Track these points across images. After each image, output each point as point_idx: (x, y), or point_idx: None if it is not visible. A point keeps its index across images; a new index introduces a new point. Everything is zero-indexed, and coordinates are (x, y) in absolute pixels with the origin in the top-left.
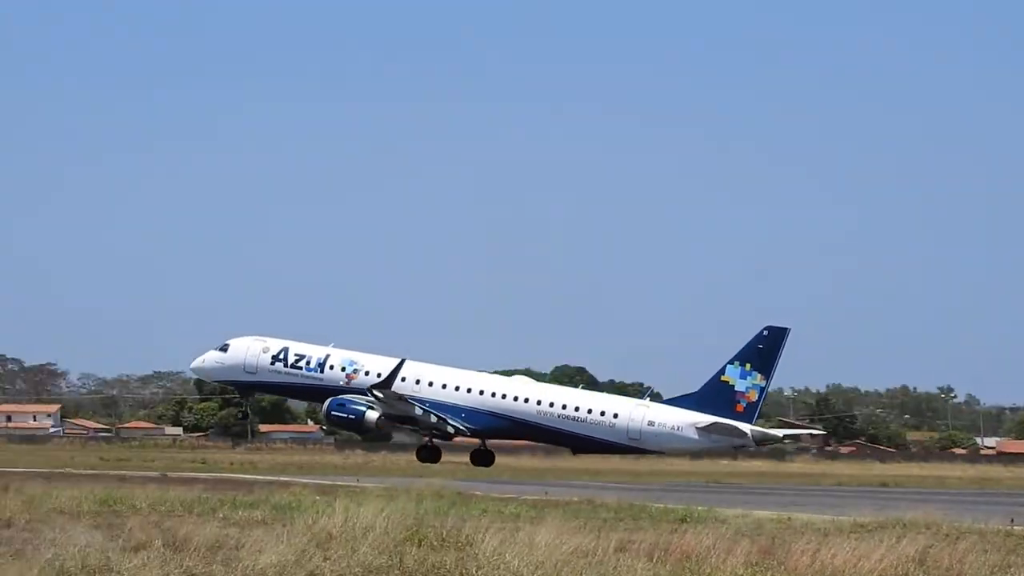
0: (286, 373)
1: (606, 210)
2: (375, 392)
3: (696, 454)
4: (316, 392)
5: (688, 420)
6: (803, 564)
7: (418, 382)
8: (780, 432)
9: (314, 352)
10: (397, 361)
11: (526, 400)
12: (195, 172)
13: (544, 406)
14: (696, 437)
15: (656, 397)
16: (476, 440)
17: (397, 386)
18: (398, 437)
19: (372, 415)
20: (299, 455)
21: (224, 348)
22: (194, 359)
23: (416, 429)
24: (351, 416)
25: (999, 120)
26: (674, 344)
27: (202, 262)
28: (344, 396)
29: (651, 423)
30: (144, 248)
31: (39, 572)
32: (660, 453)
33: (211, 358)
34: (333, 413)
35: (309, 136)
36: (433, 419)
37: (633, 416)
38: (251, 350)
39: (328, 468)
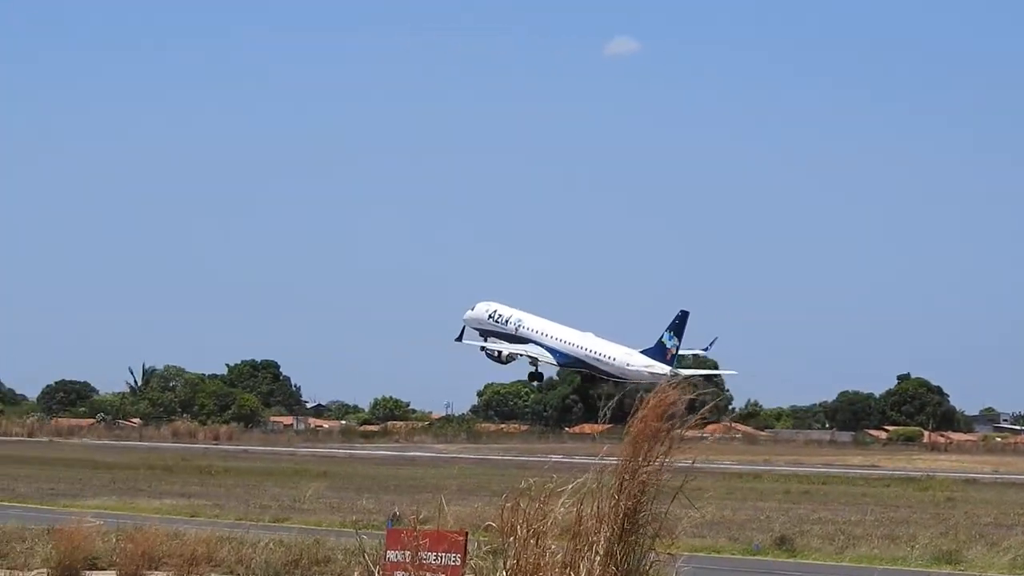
0: (491, 324)
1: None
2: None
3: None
4: (502, 336)
5: (644, 363)
6: None
7: (540, 332)
8: (686, 372)
9: (506, 312)
10: (539, 319)
11: (580, 347)
12: None
13: (590, 350)
14: (647, 374)
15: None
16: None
17: (527, 333)
18: None
19: (504, 353)
20: None
21: (472, 307)
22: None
23: (531, 360)
24: (492, 353)
25: None
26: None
27: None
28: (489, 342)
29: (629, 365)
30: None
31: None
32: (637, 380)
33: (467, 314)
34: (486, 351)
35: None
36: (533, 355)
37: (621, 360)
38: (480, 309)
39: None
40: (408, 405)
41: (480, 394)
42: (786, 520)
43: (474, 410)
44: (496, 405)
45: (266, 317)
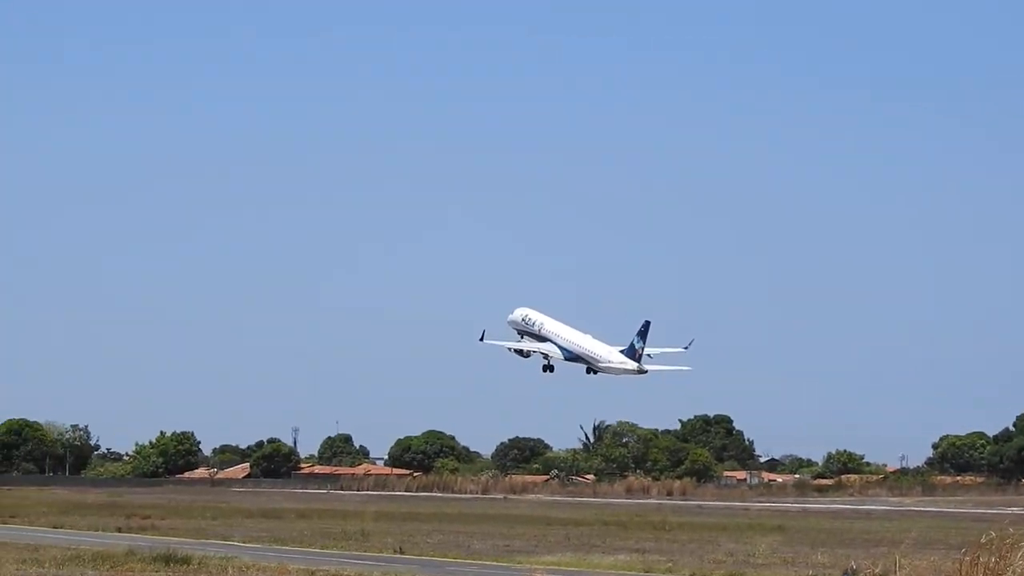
0: (524, 325)
1: None
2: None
3: (619, 374)
4: (531, 335)
5: (620, 360)
6: None
7: (555, 334)
8: (649, 367)
9: (534, 316)
10: (557, 323)
11: (579, 346)
12: None
13: (585, 348)
14: (623, 367)
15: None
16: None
17: (546, 334)
18: None
19: (526, 349)
20: None
21: (512, 312)
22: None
23: (544, 355)
24: (516, 351)
25: None
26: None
27: None
28: (524, 341)
29: (610, 362)
30: None
31: None
32: (615, 373)
33: (509, 317)
34: (512, 350)
35: None
36: (545, 351)
37: (605, 356)
38: (517, 313)
39: None
40: (863, 458)
41: (935, 446)
42: None
43: (929, 462)
44: (951, 457)
45: (722, 370)
